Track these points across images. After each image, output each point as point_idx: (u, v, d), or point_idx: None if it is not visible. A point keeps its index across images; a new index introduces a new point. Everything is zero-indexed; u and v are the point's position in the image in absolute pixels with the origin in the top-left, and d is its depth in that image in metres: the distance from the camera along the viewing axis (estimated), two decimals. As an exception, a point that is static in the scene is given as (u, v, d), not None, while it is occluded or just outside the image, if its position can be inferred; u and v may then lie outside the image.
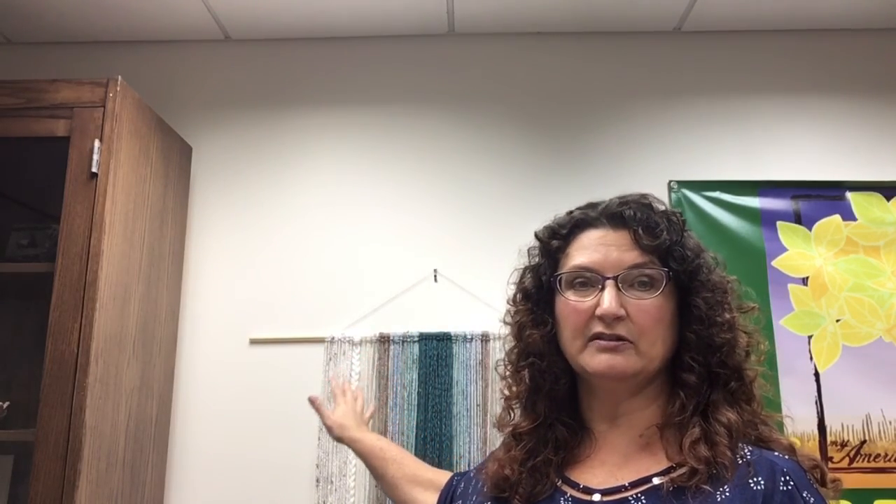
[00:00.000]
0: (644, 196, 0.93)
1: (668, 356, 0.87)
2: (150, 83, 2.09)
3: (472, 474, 1.02)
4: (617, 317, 0.83)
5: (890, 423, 1.90)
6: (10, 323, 1.95)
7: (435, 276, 2.03)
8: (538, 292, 0.93)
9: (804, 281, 2.00)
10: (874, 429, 1.90)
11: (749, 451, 0.82)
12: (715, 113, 2.16)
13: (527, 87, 2.19)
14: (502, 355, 0.98)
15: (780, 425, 0.89)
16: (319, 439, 1.91)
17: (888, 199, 2.05)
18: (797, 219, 2.05)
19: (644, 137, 2.14)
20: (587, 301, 0.86)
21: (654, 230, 0.87)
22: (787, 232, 2.03)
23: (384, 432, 1.89)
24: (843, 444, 1.89)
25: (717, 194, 2.07)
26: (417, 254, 2.06)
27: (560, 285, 0.89)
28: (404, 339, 1.97)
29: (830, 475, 0.82)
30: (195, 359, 2.01)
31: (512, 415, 0.93)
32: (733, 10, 2.11)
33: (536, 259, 0.96)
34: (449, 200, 2.11)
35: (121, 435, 1.67)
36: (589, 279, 0.87)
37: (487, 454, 1.04)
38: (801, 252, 2.02)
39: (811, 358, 1.95)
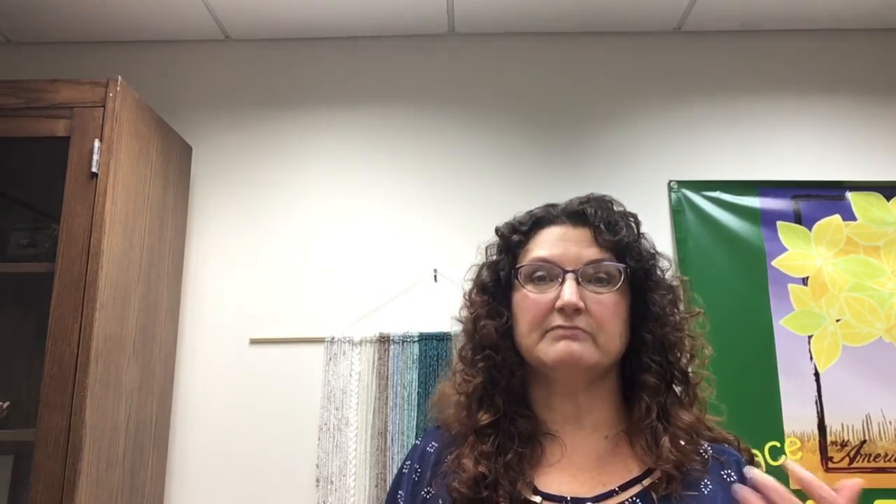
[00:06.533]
0: (604, 196, 0.95)
1: (622, 354, 0.89)
2: (150, 83, 2.09)
3: (414, 477, 0.93)
4: (577, 308, 0.84)
5: (890, 423, 1.90)
6: (10, 323, 1.95)
7: (435, 276, 2.03)
8: (495, 286, 0.94)
9: (804, 281, 2.00)
10: (874, 429, 1.90)
11: (710, 446, 0.87)
12: (715, 113, 2.16)
13: (527, 87, 2.19)
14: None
15: (721, 425, 0.93)
16: (319, 439, 1.91)
17: (888, 199, 2.05)
18: (797, 219, 2.05)
19: (644, 137, 2.14)
20: (547, 294, 0.87)
21: (614, 228, 0.89)
22: (787, 232, 2.03)
23: (384, 432, 1.89)
24: (843, 444, 1.89)
25: (717, 194, 2.07)
26: (417, 254, 2.06)
27: (519, 278, 0.90)
28: (404, 339, 1.97)
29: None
30: (195, 359, 2.01)
31: (470, 412, 0.90)
32: (733, 10, 2.11)
33: (494, 256, 0.97)
34: (449, 200, 2.11)
35: (121, 435, 1.67)
36: (548, 272, 0.88)
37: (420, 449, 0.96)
38: (801, 252, 2.02)
39: (811, 358, 1.95)
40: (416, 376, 1.93)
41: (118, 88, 1.69)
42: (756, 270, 2.00)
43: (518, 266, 0.91)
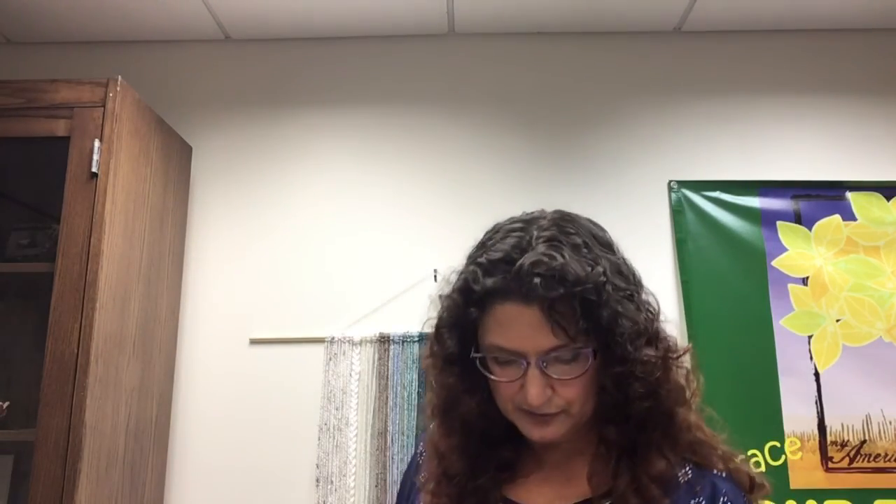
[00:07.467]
0: (554, 257, 0.78)
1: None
2: (150, 83, 2.09)
3: (419, 461, 0.99)
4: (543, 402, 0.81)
5: (890, 423, 1.90)
6: (10, 323, 1.95)
7: (435, 276, 2.03)
8: (462, 350, 0.87)
9: (804, 281, 2.00)
10: (874, 429, 1.90)
11: (689, 469, 0.83)
12: (715, 113, 2.16)
13: (527, 87, 2.19)
14: None
15: (726, 441, 0.86)
16: (319, 439, 1.91)
17: (888, 199, 2.05)
18: (797, 219, 2.05)
19: (644, 137, 2.14)
20: (512, 378, 0.82)
21: (568, 317, 0.77)
22: (787, 232, 2.03)
23: (384, 432, 1.89)
24: (843, 444, 1.89)
25: (717, 194, 2.07)
26: (417, 253, 2.06)
27: (482, 364, 0.85)
28: (404, 339, 1.97)
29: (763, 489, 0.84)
30: (195, 359, 2.01)
31: (444, 460, 0.89)
32: (733, 10, 2.11)
33: (455, 299, 0.89)
34: (449, 200, 2.11)
35: (121, 435, 1.67)
36: (509, 359, 0.82)
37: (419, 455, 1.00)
38: (801, 252, 2.02)
39: (811, 358, 1.95)
40: (416, 376, 1.93)
41: (118, 88, 1.69)
42: (756, 270, 2.00)
43: (478, 355, 0.85)
